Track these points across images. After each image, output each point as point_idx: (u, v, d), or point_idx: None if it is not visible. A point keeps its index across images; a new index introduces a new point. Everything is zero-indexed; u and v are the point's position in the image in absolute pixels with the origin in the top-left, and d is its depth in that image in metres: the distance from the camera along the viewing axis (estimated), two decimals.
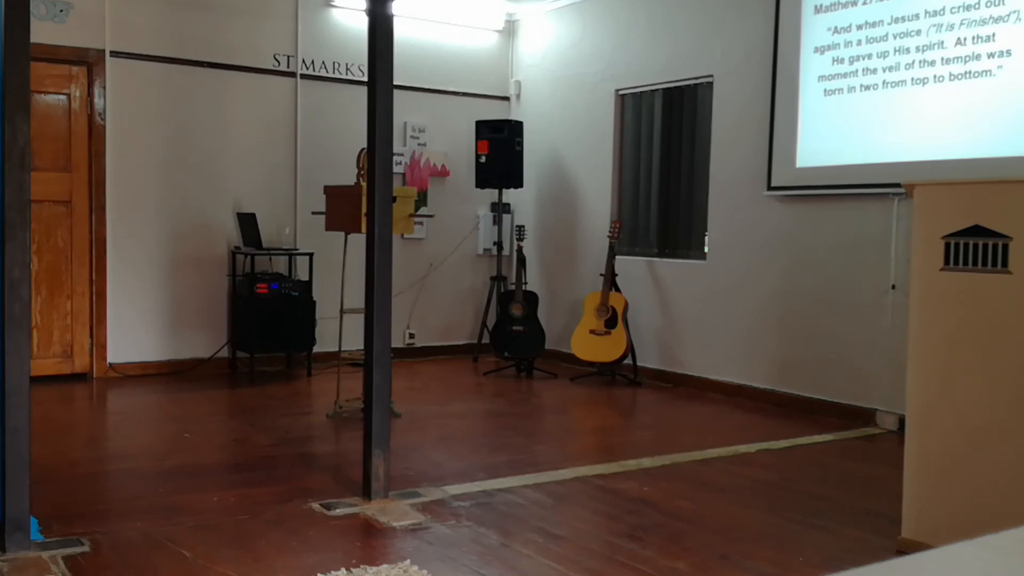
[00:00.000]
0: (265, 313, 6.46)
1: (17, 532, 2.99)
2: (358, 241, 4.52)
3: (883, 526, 3.45)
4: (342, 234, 5.27)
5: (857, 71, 5.37)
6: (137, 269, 6.45)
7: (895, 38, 5.19)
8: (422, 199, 7.39)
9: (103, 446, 4.71)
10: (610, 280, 6.57)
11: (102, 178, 6.28)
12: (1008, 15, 4.68)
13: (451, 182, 7.77)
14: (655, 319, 6.74)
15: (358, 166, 5.05)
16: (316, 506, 3.58)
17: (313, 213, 5.92)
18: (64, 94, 6.17)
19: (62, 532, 3.21)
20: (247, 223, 6.63)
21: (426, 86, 7.58)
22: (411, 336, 7.64)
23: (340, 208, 5.05)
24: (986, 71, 4.77)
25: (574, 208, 7.47)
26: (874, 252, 5.33)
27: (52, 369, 6.14)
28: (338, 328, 5.69)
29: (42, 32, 5.89)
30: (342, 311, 5.35)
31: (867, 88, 5.32)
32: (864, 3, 5.34)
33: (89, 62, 6.22)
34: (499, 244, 7.56)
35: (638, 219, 7.04)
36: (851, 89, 5.40)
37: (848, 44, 5.41)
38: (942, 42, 4.96)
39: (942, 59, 4.97)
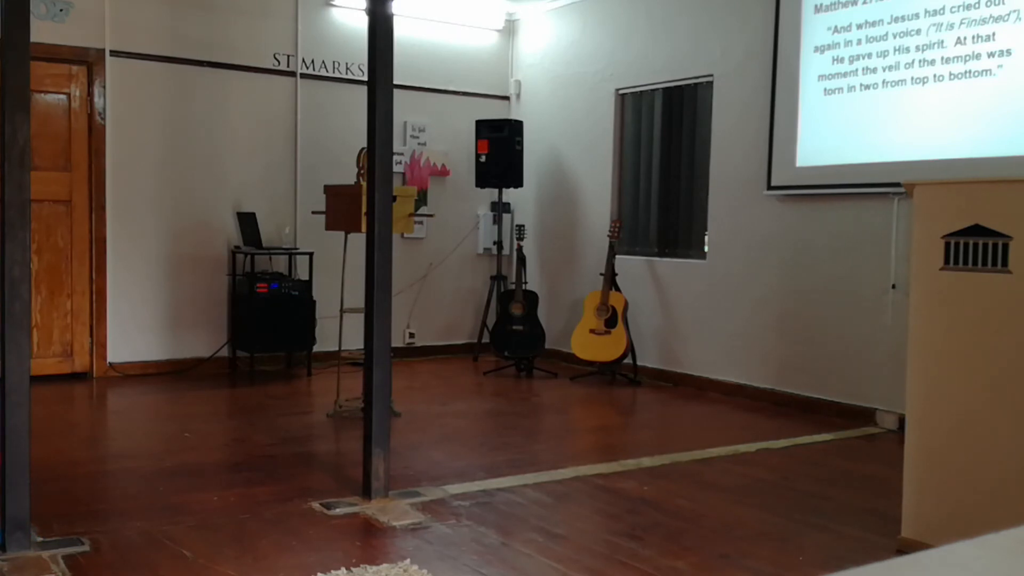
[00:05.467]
0: (265, 312, 6.47)
1: (17, 532, 2.99)
2: (358, 240, 4.52)
3: (883, 526, 3.45)
4: (342, 233, 5.27)
5: (857, 70, 5.37)
6: (137, 268, 6.45)
7: (895, 37, 5.19)
8: (422, 198, 7.39)
9: (103, 446, 4.71)
10: (610, 279, 6.57)
11: (102, 177, 6.29)
12: (1008, 15, 4.68)
13: (451, 181, 7.77)
14: (655, 318, 6.74)
15: (358, 165, 5.05)
16: (316, 505, 3.58)
17: (313, 212, 5.92)
18: (64, 93, 6.17)
19: (62, 532, 3.21)
20: (247, 222, 6.63)
21: (426, 86, 7.58)
22: (411, 336, 7.64)
23: (340, 207, 5.05)
24: (986, 70, 4.77)
25: (574, 207, 7.47)
26: (874, 251, 5.33)
27: (52, 368, 6.15)
28: (338, 328, 5.69)
29: (42, 32, 5.89)
30: (342, 310, 5.35)
31: (867, 87, 5.32)
32: (864, 2, 5.34)
33: (89, 61, 6.22)
34: (499, 243, 7.56)
35: (638, 218, 7.04)
36: (851, 88, 5.40)
37: (848, 43, 5.41)
38: (942, 41, 4.96)
39: (942, 58, 4.97)
